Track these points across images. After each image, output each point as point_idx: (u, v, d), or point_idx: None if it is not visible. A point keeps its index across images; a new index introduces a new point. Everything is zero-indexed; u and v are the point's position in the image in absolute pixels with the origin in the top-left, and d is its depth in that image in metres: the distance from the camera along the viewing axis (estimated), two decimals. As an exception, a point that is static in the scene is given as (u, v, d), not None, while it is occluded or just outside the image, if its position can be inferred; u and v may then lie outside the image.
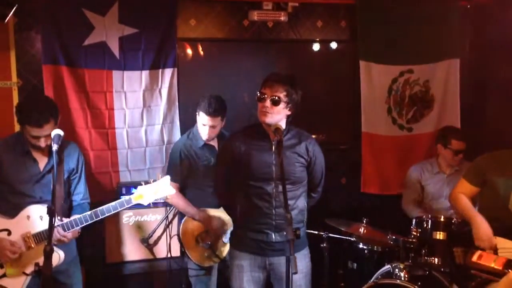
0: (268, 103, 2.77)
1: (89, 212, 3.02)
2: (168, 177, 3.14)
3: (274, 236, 2.86)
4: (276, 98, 2.76)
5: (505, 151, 3.14)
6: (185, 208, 3.57)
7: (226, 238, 3.57)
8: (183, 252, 3.64)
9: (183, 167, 3.56)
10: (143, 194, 3.08)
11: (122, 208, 3.06)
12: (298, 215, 2.91)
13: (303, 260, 2.94)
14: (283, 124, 2.84)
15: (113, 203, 3.04)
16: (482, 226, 3.04)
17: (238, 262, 2.94)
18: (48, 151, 3.09)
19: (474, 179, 3.23)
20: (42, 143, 2.97)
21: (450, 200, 3.36)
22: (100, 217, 3.03)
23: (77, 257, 3.32)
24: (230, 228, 3.48)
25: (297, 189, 2.91)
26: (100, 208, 3.03)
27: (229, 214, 3.25)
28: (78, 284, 3.31)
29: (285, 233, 2.41)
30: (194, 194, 3.60)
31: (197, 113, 3.58)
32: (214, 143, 3.68)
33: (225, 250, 3.60)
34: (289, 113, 2.85)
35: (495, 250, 3.02)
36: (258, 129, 2.91)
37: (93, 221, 3.03)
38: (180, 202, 3.57)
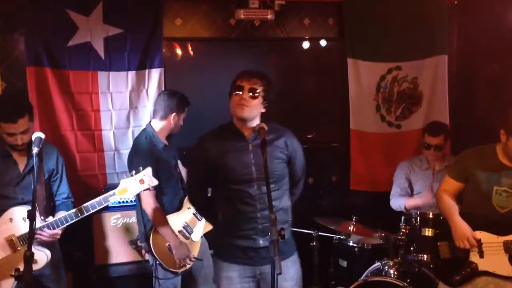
0: (246, 94, 2.62)
1: (73, 210, 2.98)
2: (150, 168, 3.02)
3: (261, 241, 2.66)
4: (255, 90, 2.63)
5: (487, 146, 3.11)
6: (159, 222, 3.28)
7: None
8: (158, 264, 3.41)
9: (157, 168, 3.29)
10: (127, 187, 3.00)
11: (107, 203, 3.01)
12: (283, 215, 2.72)
13: (293, 266, 2.79)
14: (257, 122, 2.70)
15: (97, 199, 2.99)
16: (459, 227, 3.01)
17: (227, 274, 2.74)
18: (27, 152, 3.05)
19: (457, 175, 3.18)
20: (19, 140, 2.93)
21: (435, 198, 3.34)
22: (85, 214, 2.98)
23: (61, 260, 3.27)
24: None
25: (280, 188, 2.73)
26: (85, 204, 2.97)
27: (209, 222, 3.14)
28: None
29: (269, 234, 2.27)
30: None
31: (178, 112, 3.51)
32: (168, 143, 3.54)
33: (196, 250, 3.52)
34: (263, 111, 2.72)
35: (479, 246, 3.01)
36: (231, 128, 2.74)
37: (78, 218, 2.98)
38: (156, 211, 3.27)
